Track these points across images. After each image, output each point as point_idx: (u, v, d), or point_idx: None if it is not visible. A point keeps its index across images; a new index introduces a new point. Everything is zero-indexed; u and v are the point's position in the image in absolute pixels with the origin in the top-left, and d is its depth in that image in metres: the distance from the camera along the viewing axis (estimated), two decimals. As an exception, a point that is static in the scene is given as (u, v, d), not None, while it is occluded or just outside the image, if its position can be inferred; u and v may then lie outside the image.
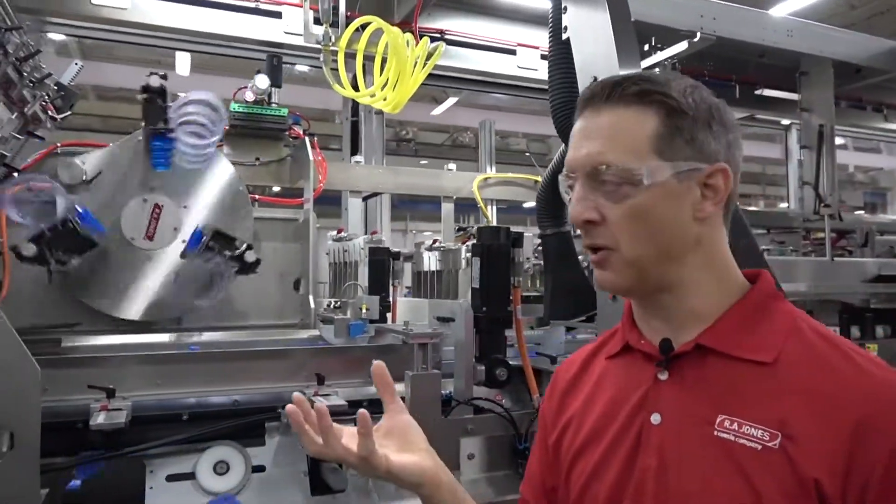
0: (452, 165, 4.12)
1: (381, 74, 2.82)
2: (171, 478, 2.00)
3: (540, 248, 3.32)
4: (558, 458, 1.05)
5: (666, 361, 0.94)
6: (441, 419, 2.10)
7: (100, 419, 1.80)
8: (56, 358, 2.02)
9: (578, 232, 1.30)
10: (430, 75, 4.79)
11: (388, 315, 3.27)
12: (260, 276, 3.04)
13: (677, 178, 0.90)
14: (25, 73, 2.19)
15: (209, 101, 2.55)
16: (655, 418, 0.92)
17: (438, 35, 4.15)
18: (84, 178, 2.57)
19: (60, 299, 2.71)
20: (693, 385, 0.92)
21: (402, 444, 0.99)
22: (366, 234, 3.81)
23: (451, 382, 2.25)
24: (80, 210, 2.29)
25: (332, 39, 3.28)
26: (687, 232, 0.92)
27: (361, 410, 0.92)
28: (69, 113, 2.63)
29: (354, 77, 3.09)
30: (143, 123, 2.70)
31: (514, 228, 2.37)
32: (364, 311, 2.95)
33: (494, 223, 4.27)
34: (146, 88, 2.69)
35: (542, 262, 3.33)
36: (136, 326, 2.76)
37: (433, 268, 3.82)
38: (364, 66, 2.93)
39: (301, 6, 3.61)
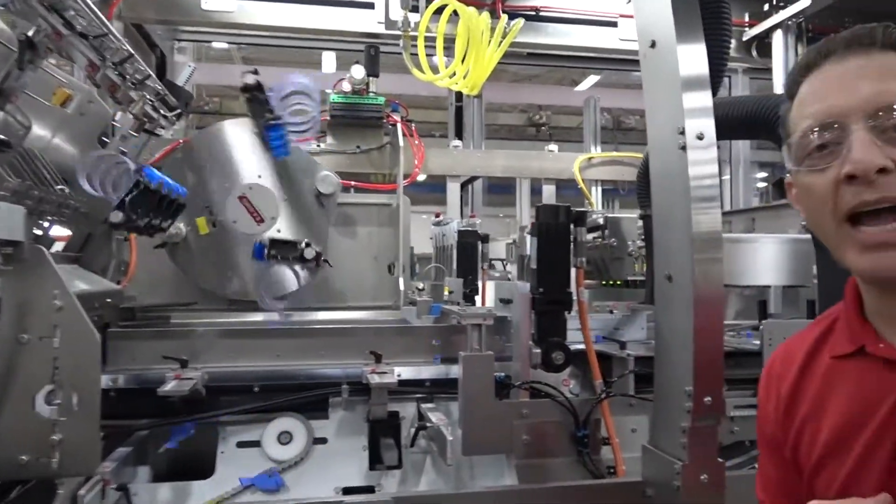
0: (553, 147, 4.00)
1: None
2: (241, 444, 2.16)
3: (642, 229, 3.16)
4: (797, 464, 0.98)
5: None
6: (494, 401, 2.06)
7: (168, 387, 1.97)
8: (137, 331, 2.24)
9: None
10: (530, 55, 4.74)
11: (477, 298, 3.27)
12: (356, 260, 3.17)
13: None
14: (127, 76, 2.42)
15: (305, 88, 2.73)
16: None
17: (533, 12, 4.04)
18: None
19: (179, 281, 2.98)
20: None
21: None
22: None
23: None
24: (158, 176, 2.42)
25: (412, 25, 3.31)
26: None
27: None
28: (180, 111, 2.89)
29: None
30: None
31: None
32: (447, 293, 2.98)
33: (598, 206, 4.10)
34: (246, 88, 2.87)
35: (644, 245, 3.15)
36: (243, 306, 2.96)
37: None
38: (447, 49, 2.92)
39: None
